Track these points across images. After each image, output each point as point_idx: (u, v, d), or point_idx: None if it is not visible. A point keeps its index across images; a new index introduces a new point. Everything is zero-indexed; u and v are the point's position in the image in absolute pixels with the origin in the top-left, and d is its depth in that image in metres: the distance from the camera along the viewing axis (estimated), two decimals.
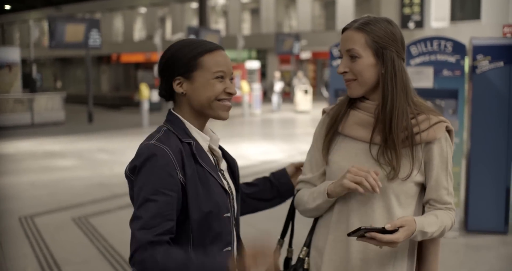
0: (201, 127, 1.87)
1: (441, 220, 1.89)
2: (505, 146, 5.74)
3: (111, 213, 7.02)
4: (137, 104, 22.97)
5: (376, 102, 1.91)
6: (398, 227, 1.74)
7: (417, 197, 1.96)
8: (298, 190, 2.09)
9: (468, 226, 5.89)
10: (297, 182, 2.11)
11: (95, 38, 19.84)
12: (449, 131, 1.94)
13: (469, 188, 5.89)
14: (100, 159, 11.64)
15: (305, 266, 2.02)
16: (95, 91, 29.94)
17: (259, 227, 5.52)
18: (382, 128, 1.87)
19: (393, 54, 1.86)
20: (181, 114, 1.85)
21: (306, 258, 2.03)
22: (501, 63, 5.70)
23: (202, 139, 1.84)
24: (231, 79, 1.86)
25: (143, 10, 45.93)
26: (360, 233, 1.73)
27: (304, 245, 2.05)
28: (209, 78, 1.79)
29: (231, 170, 1.98)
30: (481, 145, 5.80)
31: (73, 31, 19.19)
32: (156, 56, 32.85)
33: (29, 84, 22.76)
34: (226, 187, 1.84)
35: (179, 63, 1.80)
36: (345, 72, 1.90)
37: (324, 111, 2.09)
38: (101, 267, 5.14)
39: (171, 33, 42.98)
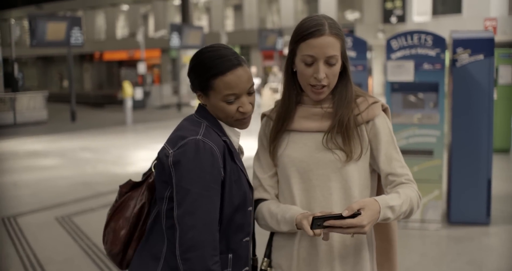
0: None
1: (404, 193, 1.88)
2: (486, 138, 5.79)
3: (95, 211, 6.98)
4: (120, 102, 22.88)
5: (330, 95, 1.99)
6: (359, 210, 1.72)
7: (370, 179, 2.02)
8: (256, 200, 2.06)
9: (451, 217, 5.94)
10: (254, 185, 2.08)
11: (77, 36, 19.70)
12: (384, 110, 2.03)
13: (451, 180, 5.94)
14: (84, 157, 11.57)
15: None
16: (77, 90, 29.74)
17: None
18: (329, 116, 1.95)
19: (345, 52, 1.96)
20: (212, 113, 1.90)
21: (268, 269, 2.06)
22: (481, 56, 5.74)
23: (234, 134, 1.92)
24: (250, 94, 1.87)
25: (125, 7, 45.61)
26: (318, 223, 1.73)
27: (265, 256, 2.08)
28: (220, 100, 1.83)
29: None
30: (462, 137, 5.84)
31: (54, 30, 19.03)
32: (139, 54, 32.67)
33: (11, 83, 22.55)
34: (251, 182, 1.93)
35: (197, 80, 1.87)
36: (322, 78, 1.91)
37: (264, 115, 2.13)
38: (84, 265, 5.11)
39: (154, 30, 42.80)
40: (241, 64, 1.82)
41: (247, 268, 1.93)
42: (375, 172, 2.04)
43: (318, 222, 1.73)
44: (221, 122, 1.88)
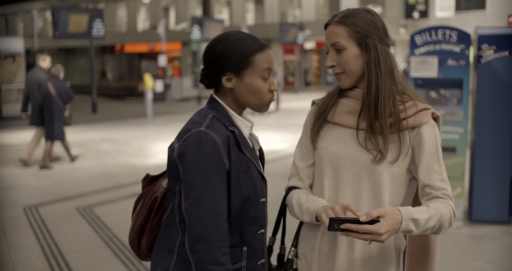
0: (241, 113, 1.94)
1: (435, 208, 1.84)
2: (509, 136, 5.72)
3: (115, 203, 7.03)
4: (141, 95, 22.99)
5: (363, 90, 1.95)
6: (378, 217, 1.70)
7: (406, 186, 1.95)
8: (289, 187, 2.09)
9: (472, 216, 5.88)
10: (289, 176, 2.12)
11: (98, 28, 19.80)
12: (435, 118, 1.96)
13: (473, 178, 5.88)
14: (104, 149, 11.65)
15: (294, 266, 2.06)
16: (98, 82, 29.93)
17: None
18: (367, 114, 1.91)
19: (375, 41, 1.91)
20: (224, 101, 1.89)
21: (295, 259, 2.06)
22: (506, 53, 5.66)
23: (244, 125, 1.91)
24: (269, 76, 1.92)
25: (146, 0, 45.82)
26: (335, 224, 1.72)
27: (292, 246, 2.08)
28: (257, 77, 1.85)
29: (261, 155, 2.05)
30: (485, 135, 5.78)
31: (76, 21, 19.15)
32: (160, 47, 32.76)
33: None
34: (263, 173, 1.92)
35: (232, 60, 1.84)
36: (333, 66, 1.95)
37: (313, 103, 2.13)
38: (104, 256, 5.15)
39: (175, 23, 42.89)
40: (269, 46, 1.93)
41: (263, 260, 1.93)
42: (415, 180, 1.97)
43: (335, 223, 1.72)
44: (230, 112, 1.88)
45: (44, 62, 9.78)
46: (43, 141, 9.68)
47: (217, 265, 1.72)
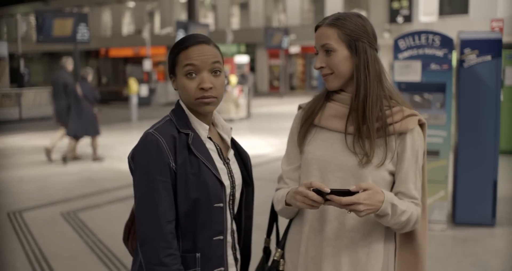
0: (205, 116, 1.91)
1: (409, 206, 1.90)
2: (492, 139, 5.78)
3: (100, 207, 7.00)
4: (126, 99, 22.88)
5: (351, 94, 1.96)
6: (364, 190, 1.75)
7: (390, 187, 1.98)
8: (277, 189, 2.12)
9: (456, 218, 5.93)
10: (278, 178, 2.14)
11: (83, 32, 19.68)
12: (421, 125, 1.98)
13: (456, 181, 5.93)
14: (89, 153, 11.58)
15: (281, 268, 2.07)
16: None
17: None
18: (355, 118, 1.92)
19: (365, 45, 1.93)
20: (185, 105, 1.90)
21: (281, 260, 2.07)
22: (489, 57, 5.73)
23: (201, 127, 1.88)
24: (215, 73, 1.85)
25: (131, 4, 45.67)
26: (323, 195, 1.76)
27: (279, 247, 2.10)
28: (181, 74, 1.84)
29: (244, 162, 2.03)
30: (468, 138, 5.83)
31: (61, 26, 19.03)
32: (145, 51, 32.68)
33: (17, 79, 22.60)
34: (222, 178, 1.85)
35: (169, 61, 1.89)
36: (322, 67, 1.96)
37: (300, 107, 2.14)
38: (89, 261, 5.13)
39: (160, 28, 42.79)
40: (207, 42, 1.86)
41: (221, 268, 1.88)
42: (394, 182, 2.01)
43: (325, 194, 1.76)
44: (188, 115, 1.88)
45: (69, 65, 10.62)
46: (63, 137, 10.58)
47: (161, 266, 1.72)
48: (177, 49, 1.86)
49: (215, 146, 1.93)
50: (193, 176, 1.79)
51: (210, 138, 1.92)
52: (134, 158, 1.81)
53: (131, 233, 2.03)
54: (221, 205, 1.85)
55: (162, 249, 1.72)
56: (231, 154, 1.98)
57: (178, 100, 1.93)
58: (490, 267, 4.91)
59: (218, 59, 1.86)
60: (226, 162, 1.94)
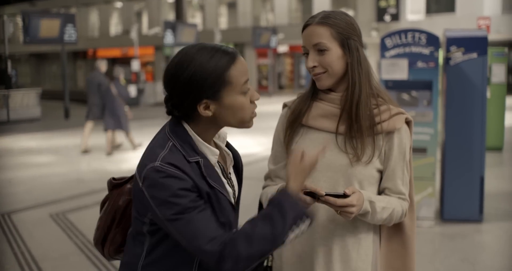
0: (210, 138, 1.72)
1: (390, 202, 1.93)
2: (479, 136, 5.83)
3: (89, 208, 6.98)
4: None
5: (340, 94, 1.96)
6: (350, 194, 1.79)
7: (377, 184, 2.01)
8: (264, 187, 2.13)
9: (444, 215, 5.98)
10: (264, 176, 2.15)
11: (70, 33, 19.63)
12: (408, 122, 2.00)
13: (444, 177, 5.98)
14: (77, 154, 11.55)
15: (269, 264, 2.08)
16: (71, 87, 29.65)
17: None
18: (347, 118, 1.92)
19: (356, 43, 1.93)
20: (193, 128, 1.66)
21: (269, 256, 2.09)
22: (475, 55, 5.77)
23: (210, 152, 1.68)
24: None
25: (119, 4, 45.49)
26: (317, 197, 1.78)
27: None
28: (237, 94, 1.62)
29: (236, 164, 1.87)
30: (455, 135, 5.88)
31: (48, 26, 18.96)
32: (133, 51, 32.59)
33: (4, 80, 22.46)
34: (231, 199, 1.73)
35: (206, 85, 1.58)
36: (314, 66, 1.94)
37: (285, 105, 2.14)
38: (79, 262, 5.12)
39: (147, 28, 42.69)
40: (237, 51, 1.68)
41: None
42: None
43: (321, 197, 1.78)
44: (196, 140, 1.65)
45: (103, 66, 11.54)
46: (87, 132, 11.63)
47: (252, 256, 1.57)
48: (223, 66, 1.59)
49: (219, 165, 1.75)
50: (215, 209, 1.63)
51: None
52: (150, 195, 1.57)
53: (108, 240, 1.89)
54: (235, 230, 1.67)
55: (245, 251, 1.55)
56: (231, 165, 1.83)
57: (177, 122, 1.67)
58: (477, 262, 4.96)
59: None
60: (228, 177, 1.79)
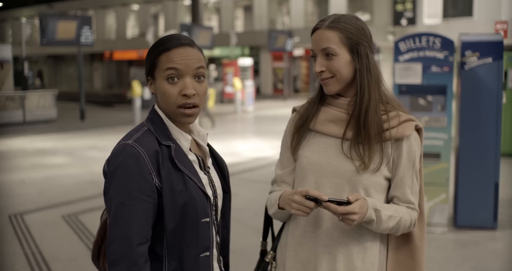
0: (183, 125, 1.78)
1: (397, 210, 1.89)
2: (494, 142, 5.75)
3: (101, 210, 6.96)
4: (129, 102, 22.91)
5: (349, 99, 1.93)
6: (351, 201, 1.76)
7: (386, 192, 1.96)
8: (270, 192, 2.10)
9: (457, 221, 5.91)
10: (271, 181, 2.12)
11: (87, 35, 19.77)
12: (418, 130, 1.95)
13: (457, 183, 5.91)
14: (91, 156, 11.60)
15: (272, 270, 2.07)
16: (87, 89, 29.86)
17: (249, 224, 5.52)
18: (355, 124, 1.89)
19: (366, 49, 1.89)
20: (163, 112, 1.76)
21: (273, 262, 2.07)
22: (490, 59, 5.71)
23: (183, 138, 1.75)
24: (198, 78, 1.72)
25: (135, 7, 45.77)
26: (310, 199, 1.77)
27: (271, 249, 2.09)
28: (162, 78, 1.70)
29: (220, 169, 1.91)
30: (469, 140, 5.81)
31: (64, 28, 19.11)
32: None
33: (21, 81, 22.67)
34: (207, 190, 1.75)
35: (147, 62, 1.76)
36: (322, 71, 1.90)
37: (294, 110, 2.11)
38: (89, 264, 5.10)
39: (164, 30, 42.87)
40: (191, 45, 1.73)
41: None
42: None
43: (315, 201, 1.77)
44: (168, 124, 1.74)
45: None
46: None
47: None
48: (158, 51, 1.71)
49: (197, 156, 1.80)
50: (179, 191, 1.66)
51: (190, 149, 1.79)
52: (110, 169, 1.66)
53: (101, 252, 1.89)
54: (208, 219, 1.73)
55: None
56: (209, 162, 1.87)
57: (153, 107, 1.79)
58: (490, 270, 4.89)
59: (202, 64, 1.73)
60: (206, 171, 1.82)
